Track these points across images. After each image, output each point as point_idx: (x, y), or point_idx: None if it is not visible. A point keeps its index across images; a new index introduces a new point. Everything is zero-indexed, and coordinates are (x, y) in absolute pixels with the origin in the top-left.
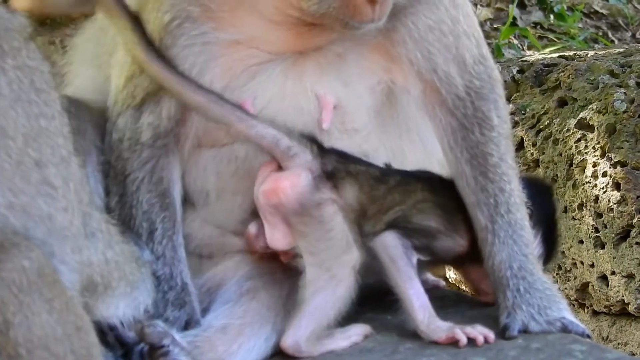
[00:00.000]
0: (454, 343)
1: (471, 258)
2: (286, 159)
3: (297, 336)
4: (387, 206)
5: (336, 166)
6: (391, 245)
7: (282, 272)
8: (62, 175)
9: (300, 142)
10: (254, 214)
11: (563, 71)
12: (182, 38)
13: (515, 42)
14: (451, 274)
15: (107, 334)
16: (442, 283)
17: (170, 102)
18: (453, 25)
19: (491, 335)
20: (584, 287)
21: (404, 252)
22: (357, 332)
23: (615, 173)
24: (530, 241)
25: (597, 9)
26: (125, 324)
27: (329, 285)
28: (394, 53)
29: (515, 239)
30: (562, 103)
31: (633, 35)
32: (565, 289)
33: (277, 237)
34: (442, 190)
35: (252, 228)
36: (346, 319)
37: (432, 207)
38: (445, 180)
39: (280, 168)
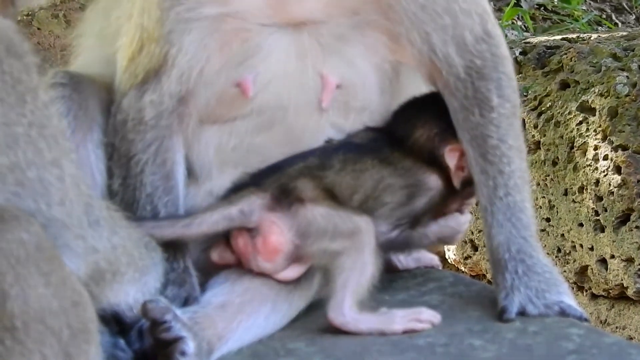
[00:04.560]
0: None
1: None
2: (247, 221)
3: (338, 308)
4: (347, 192)
5: (280, 184)
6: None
7: None
8: (55, 174)
9: (241, 196)
10: None
11: (566, 54)
12: (172, 12)
13: (519, 23)
14: (450, 254)
15: (105, 311)
16: (437, 262)
17: (171, 79)
18: (447, 4)
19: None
20: (583, 270)
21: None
22: (413, 316)
23: (616, 156)
24: (531, 223)
25: None
26: (135, 310)
27: (355, 258)
28: (395, 33)
29: (513, 222)
30: (564, 86)
31: (637, 19)
32: (564, 271)
33: (290, 275)
34: (388, 148)
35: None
36: None
37: (392, 180)
38: (382, 129)
39: (249, 230)
